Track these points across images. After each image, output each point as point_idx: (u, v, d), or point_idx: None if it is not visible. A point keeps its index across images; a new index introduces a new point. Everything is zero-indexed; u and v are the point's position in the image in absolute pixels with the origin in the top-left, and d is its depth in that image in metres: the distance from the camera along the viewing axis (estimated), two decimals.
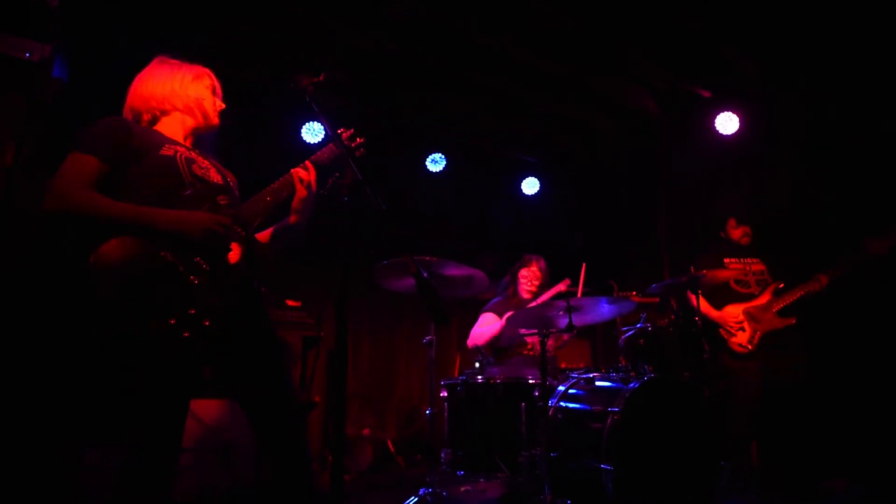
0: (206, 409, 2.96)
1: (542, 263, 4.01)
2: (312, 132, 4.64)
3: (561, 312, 3.08)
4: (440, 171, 5.43)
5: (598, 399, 2.91)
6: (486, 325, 3.86)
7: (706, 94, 4.64)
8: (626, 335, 3.38)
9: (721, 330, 3.59)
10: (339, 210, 1.69)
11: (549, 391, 3.08)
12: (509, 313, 3.61)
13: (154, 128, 1.88)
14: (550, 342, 4.02)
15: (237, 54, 4.01)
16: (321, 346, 3.83)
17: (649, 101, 4.80)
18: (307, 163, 1.91)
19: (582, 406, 3.00)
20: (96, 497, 2.57)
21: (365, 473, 4.40)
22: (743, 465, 3.41)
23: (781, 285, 3.59)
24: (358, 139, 1.93)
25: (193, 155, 1.84)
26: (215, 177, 1.86)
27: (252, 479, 2.99)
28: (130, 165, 1.69)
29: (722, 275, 3.58)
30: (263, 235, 1.95)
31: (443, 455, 3.10)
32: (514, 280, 4.01)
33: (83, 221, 1.60)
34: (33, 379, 2.72)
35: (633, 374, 3.13)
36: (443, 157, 5.40)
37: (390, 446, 4.75)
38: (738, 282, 3.70)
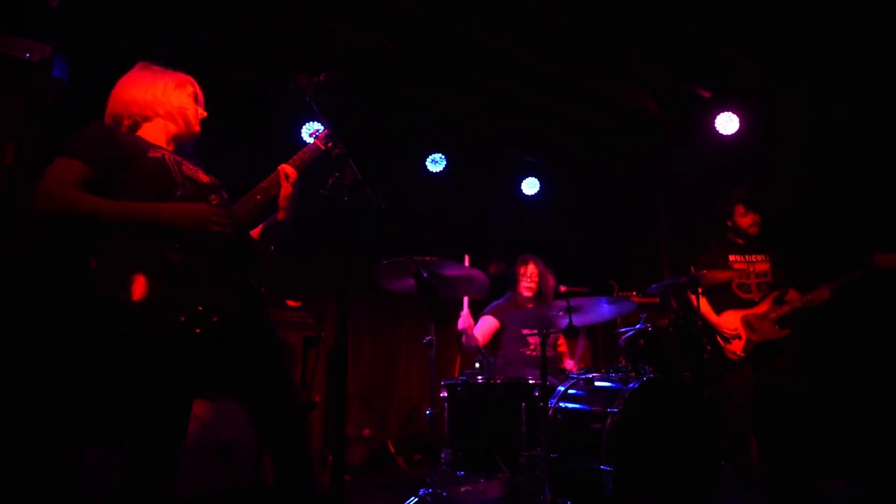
0: (205, 409, 2.96)
1: (540, 262, 4.01)
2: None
3: (561, 312, 3.09)
4: (440, 171, 5.43)
5: (598, 399, 2.91)
6: (484, 328, 3.86)
7: (706, 94, 4.64)
8: (627, 335, 3.38)
9: (717, 336, 3.60)
10: (339, 210, 1.70)
11: (549, 391, 3.08)
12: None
13: (136, 134, 1.89)
14: (566, 357, 4.07)
15: (237, 54, 4.02)
16: (321, 346, 3.83)
17: (649, 101, 4.80)
18: (293, 157, 1.93)
19: (582, 406, 3.00)
20: (96, 497, 2.56)
21: (365, 473, 4.40)
22: (743, 465, 3.41)
23: (781, 292, 3.57)
24: (330, 143, 1.93)
25: (178, 158, 1.86)
26: (204, 177, 1.88)
27: (251, 479, 2.98)
28: (119, 171, 1.70)
29: (723, 275, 3.53)
30: (254, 233, 1.97)
31: (443, 455, 3.10)
32: (514, 282, 4.01)
33: (78, 221, 1.60)
34: (33, 379, 2.71)
35: (632, 374, 3.13)
36: (443, 157, 5.40)
37: (390, 446, 4.75)
38: (740, 286, 3.67)
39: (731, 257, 3.72)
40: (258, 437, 2.98)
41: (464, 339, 3.69)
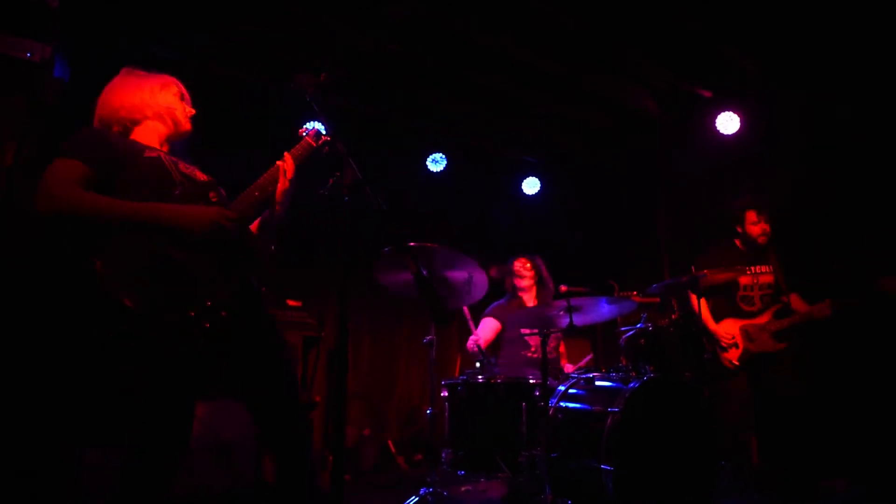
0: (205, 408, 2.96)
1: (536, 259, 4.01)
2: None
3: (561, 312, 3.08)
4: (440, 171, 5.43)
5: (599, 399, 2.91)
6: (486, 330, 3.85)
7: (707, 94, 4.64)
8: (627, 335, 3.38)
9: (714, 344, 3.60)
10: (339, 210, 1.70)
11: (550, 391, 3.08)
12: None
13: (129, 138, 1.91)
14: (564, 360, 4.07)
15: (237, 54, 4.01)
16: (321, 346, 3.83)
17: (650, 101, 4.80)
18: (285, 154, 1.96)
19: (582, 406, 3.00)
20: (96, 497, 2.56)
21: (365, 473, 4.40)
22: (743, 465, 3.41)
23: (783, 306, 3.55)
24: (323, 138, 1.97)
25: (174, 158, 1.88)
26: (201, 176, 1.90)
27: (251, 479, 2.98)
28: (117, 172, 1.71)
29: (724, 276, 3.50)
30: (252, 228, 1.98)
31: (443, 455, 3.10)
32: (511, 280, 4.02)
33: (80, 220, 1.60)
34: (34, 379, 2.71)
35: (633, 374, 3.12)
36: (443, 157, 5.40)
37: (391, 446, 4.75)
38: (743, 298, 3.64)
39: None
40: (259, 437, 2.98)
41: (470, 344, 3.70)
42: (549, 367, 3.09)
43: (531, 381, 3.10)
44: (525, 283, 3.96)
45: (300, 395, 1.89)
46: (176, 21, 3.64)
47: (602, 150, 5.59)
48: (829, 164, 4.00)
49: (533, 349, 3.81)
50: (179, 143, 2.01)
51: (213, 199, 1.82)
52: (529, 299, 3.98)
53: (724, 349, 3.55)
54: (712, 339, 3.58)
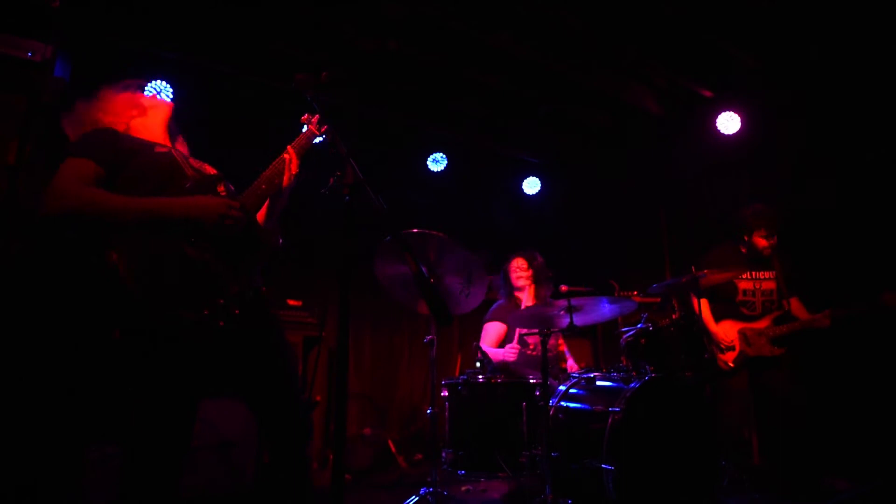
0: (206, 407, 2.96)
1: (535, 256, 4.00)
2: None
3: (562, 312, 3.08)
4: (441, 170, 5.43)
5: (599, 399, 2.91)
6: (500, 349, 3.77)
7: (707, 93, 4.64)
8: (628, 335, 3.38)
9: (712, 345, 3.60)
10: (340, 209, 1.70)
11: (550, 391, 3.08)
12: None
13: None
14: (568, 358, 4.05)
15: (237, 54, 4.01)
16: (322, 346, 3.84)
17: (650, 100, 4.80)
18: (288, 147, 1.99)
19: (583, 406, 3.01)
20: (96, 497, 2.56)
21: (366, 473, 4.40)
22: (744, 465, 3.41)
23: (783, 312, 3.56)
24: (324, 126, 2.01)
25: (185, 152, 1.94)
26: (210, 169, 1.93)
27: (252, 478, 2.99)
28: (125, 167, 1.73)
29: (724, 276, 3.50)
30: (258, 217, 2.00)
31: (444, 454, 3.10)
32: (507, 280, 4.01)
33: (93, 218, 1.61)
34: (35, 379, 2.71)
35: (634, 373, 3.13)
36: (444, 156, 5.40)
37: (391, 446, 4.75)
38: (744, 303, 3.65)
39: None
40: (261, 436, 2.99)
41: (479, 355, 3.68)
42: (549, 367, 3.08)
43: (531, 381, 3.10)
44: (521, 282, 3.95)
45: (301, 394, 1.90)
46: (176, 21, 3.64)
47: (602, 150, 5.58)
48: (830, 165, 3.99)
49: (532, 347, 3.80)
50: (175, 128, 2.04)
51: (222, 193, 1.85)
52: (527, 298, 3.97)
53: (722, 350, 3.56)
54: (711, 339, 3.59)
